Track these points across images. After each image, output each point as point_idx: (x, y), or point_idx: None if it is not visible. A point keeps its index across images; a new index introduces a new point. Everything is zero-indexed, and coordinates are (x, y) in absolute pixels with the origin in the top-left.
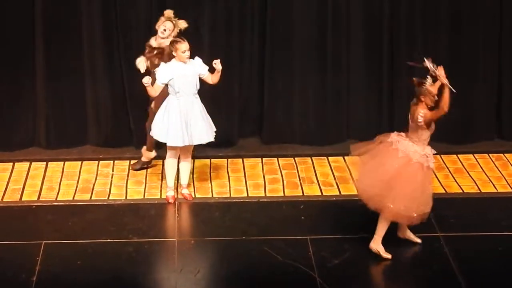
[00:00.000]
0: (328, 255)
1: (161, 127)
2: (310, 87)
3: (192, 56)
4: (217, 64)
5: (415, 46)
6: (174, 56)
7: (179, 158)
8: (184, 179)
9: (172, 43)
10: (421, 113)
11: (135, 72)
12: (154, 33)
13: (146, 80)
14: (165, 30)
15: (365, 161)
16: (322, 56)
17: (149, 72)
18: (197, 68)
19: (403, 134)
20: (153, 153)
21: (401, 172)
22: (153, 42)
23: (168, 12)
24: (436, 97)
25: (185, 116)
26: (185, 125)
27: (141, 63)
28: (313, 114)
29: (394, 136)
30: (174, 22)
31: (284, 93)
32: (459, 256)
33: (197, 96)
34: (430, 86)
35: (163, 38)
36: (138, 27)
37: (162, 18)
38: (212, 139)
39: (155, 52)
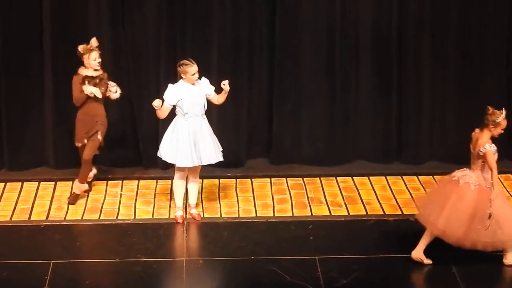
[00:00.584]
0: (337, 275)
1: (170, 148)
2: (318, 109)
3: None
4: (225, 85)
5: (423, 70)
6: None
7: (187, 178)
8: (193, 199)
9: (181, 66)
10: (484, 148)
11: (143, 93)
12: (164, 56)
13: (157, 103)
14: (99, 62)
15: (438, 205)
16: (330, 78)
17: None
18: (204, 89)
19: (465, 168)
20: (84, 186)
21: (478, 203)
22: (90, 72)
23: (91, 45)
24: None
25: (193, 137)
26: (194, 146)
27: (92, 88)
28: (322, 134)
29: (458, 173)
30: (97, 49)
31: (293, 114)
32: (467, 275)
33: (205, 116)
34: (503, 120)
35: (97, 69)
36: (147, 51)
37: (92, 50)
38: (221, 159)
39: (97, 81)
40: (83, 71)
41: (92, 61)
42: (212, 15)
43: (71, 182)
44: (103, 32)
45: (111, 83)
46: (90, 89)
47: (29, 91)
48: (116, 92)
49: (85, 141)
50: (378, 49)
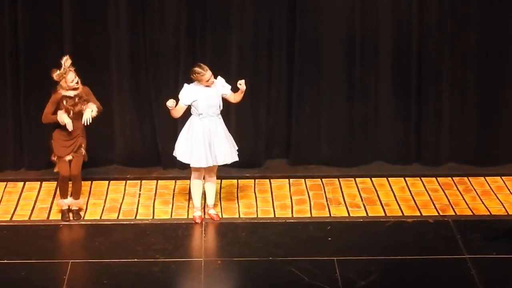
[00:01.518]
0: (355, 276)
1: (185, 149)
2: (337, 110)
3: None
4: (241, 84)
5: (443, 72)
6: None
7: (204, 177)
8: (210, 199)
9: (195, 74)
10: None
11: (162, 93)
12: (184, 57)
13: (171, 103)
14: (77, 82)
15: None
16: (350, 79)
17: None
18: (220, 89)
19: None
20: (68, 200)
21: None
22: (68, 92)
23: (68, 60)
24: None
25: (208, 137)
26: (209, 146)
27: (66, 118)
28: (341, 135)
29: None
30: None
31: (312, 115)
32: (486, 279)
33: (220, 116)
34: None
35: (75, 88)
36: (166, 52)
37: (66, 72)
38: (237, 159)
39: (76, 100)
40: (61, 90)
41: (69, 84)
42: (231, 17)
43: (90, 181)
44: (122, 34)
45: (91, 106)
46: (64, 119)
47: (48, 92)
48: (92, 111)
49: (70, 156)
50: (398, 50)
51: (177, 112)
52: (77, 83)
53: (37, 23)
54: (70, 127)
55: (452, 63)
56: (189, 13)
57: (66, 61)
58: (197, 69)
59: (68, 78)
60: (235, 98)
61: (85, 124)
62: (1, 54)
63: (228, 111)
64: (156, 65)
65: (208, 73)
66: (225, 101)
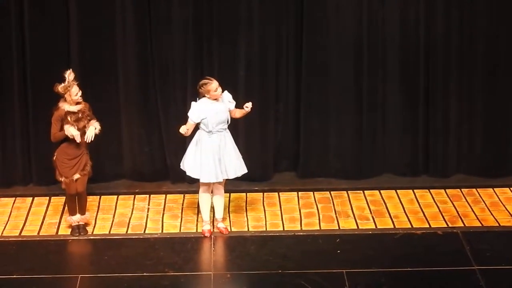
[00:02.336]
0: None
1: (194, 163)
2: (345, 123)
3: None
4: (248, 107)
5: (451, 84)
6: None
7: (212, 191)
8: (219, 213)
9: (202, 86)
10: None
11: (170, 107)
12: (191, 72)
13: (184, 130)
14: (80, 95)
15: None
16: (357, 92)
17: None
18: (227, 104)
19: None
20: (77, 216)
21: None
22: (71, 107)
23: (72, 74)
24: None
25: (217, 152)
26: (218, 161)
27: (73, 130)
28: (349, 148)
29: None
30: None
31: (320, 128)
32: None
33: (228, 130)
34: None
35: (78, 101)
36: (174, 64)
37: (71, 86)
38: (246, 170)
39: (80, 115)
40: (64, 106)
41: (74, 97)
42: (239, 32)
43: (98, 196)
44: (129, 48)
45: (94, 124)
46: (72, 131)
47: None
48: (95, 129)
49: (77, 175)
50: (405, 63)
51: (188, 131)
52: (80, 96)
53: (44, 38)
54: (78, 139)
55: (459, 75)
56: (197, 28)
57: (69, 74)
58: (203, 80)
59: (72, 91)
60: (236, 114)
61: (88, 141)
62: (9, 69)
63: (236, 124)
64: (163, 79)
65: (215, 83)
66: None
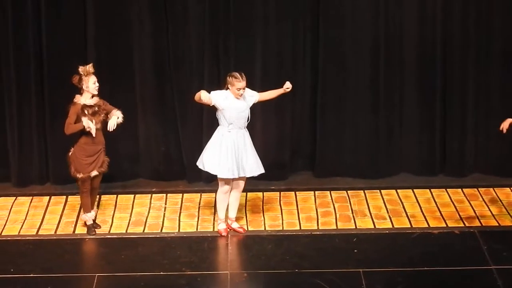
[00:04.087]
0: None
1: (213, 159)
2: (362, 122)
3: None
4: (289, 88)
5: (468, 82)
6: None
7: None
8: (232, 212)
9: (231, 77)
10: None
11: (187, 105)
12: (208, 69)
13: (203, 95)
14: (97, 85)
15: None
16: (374, 90)
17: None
18: (249, 100)
19: None
20: (92, 213)
21: None
22: (87, 100)
23: (90, 67)
24: None
25: (236, 149)
26: (236, 158)
27: (90, 123)
28: (365, 147)
29: None
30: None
31: (337, 127)
32: None
33: (246, 129)
34: None
35: (95, 94)
36: (190, 61)
37: (86, 76)
38: (263, 171)
39: (96, 109)
40: (80, 100)
41: (91, 85)
42: (255, 29)
43: (115, 195)
44: (146, 45)
45: (116, 113)
46: (89, 124)
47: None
48: (117, 118)
49: (95, 172)
50: (422, 61)
51: (201, 100)
52: (97, 88)
53: (61, 36)
54: (94, 131)
55: (477, 73)
56: (213, 25)
57: (90, 66)
58: (235, 73)
59: (91, 78)
60: (270, 95)
61: (110, 130)
62: (26, 68)
63: (253, 124)
64: (180, 76)
65: (242, 83)
66: (260, 102)
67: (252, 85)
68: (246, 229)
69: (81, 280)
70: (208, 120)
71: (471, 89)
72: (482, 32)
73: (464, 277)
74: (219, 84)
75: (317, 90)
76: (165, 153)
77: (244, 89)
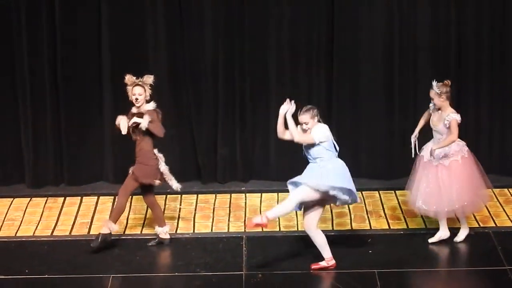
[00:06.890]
0: None
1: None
2: (377, 124)
3: None
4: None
5: (482, 84)
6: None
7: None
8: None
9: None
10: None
11: (202, 107)
12: (222, 73)
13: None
14: (137, 99)
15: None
16: (389, 93)
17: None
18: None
19: None
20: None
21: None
22: (133, 108)
23: (130, 78)
24: None
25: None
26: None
27: (123, 121)
28: (380, 148)
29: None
30: (141, 83)
31: (351, 129)
32: None
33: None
34: None
35: (139, 106)
36: (205, 64)
37: (129, 86)
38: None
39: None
40: (140, 108)
41: (131, 95)
42: (269, 33)
43: (130, 197)
44: (160, 52)
45: (145, 118)
46: (119, 121)
47: (88, 110)
48: (144, 121)
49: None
50: (436, 64)
51: (294, 138)
52: (136, 100)
53: (76, 39)
54: (124, 130)
55: (491, 75)
56: (228, 30)
57: (148, 77)
58: (316, 110)
59: (134, 89)
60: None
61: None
62: (40, 72)
63: (268, 126)
64: (195, 80)
65: (311, 123)
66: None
67: (267, 88)
68: (261, 229)
69: (96, 281)
70: (222, 121)
71: (485, 91)
72: (496, 36)
73: (479, 278)
74: (233, 88)
75: (332, 94)
76: (179, 155)
77: (305, 123)
